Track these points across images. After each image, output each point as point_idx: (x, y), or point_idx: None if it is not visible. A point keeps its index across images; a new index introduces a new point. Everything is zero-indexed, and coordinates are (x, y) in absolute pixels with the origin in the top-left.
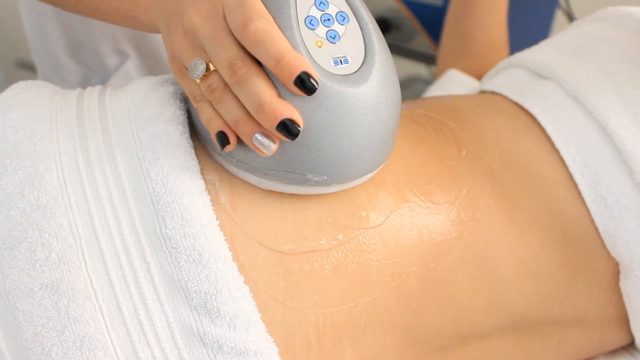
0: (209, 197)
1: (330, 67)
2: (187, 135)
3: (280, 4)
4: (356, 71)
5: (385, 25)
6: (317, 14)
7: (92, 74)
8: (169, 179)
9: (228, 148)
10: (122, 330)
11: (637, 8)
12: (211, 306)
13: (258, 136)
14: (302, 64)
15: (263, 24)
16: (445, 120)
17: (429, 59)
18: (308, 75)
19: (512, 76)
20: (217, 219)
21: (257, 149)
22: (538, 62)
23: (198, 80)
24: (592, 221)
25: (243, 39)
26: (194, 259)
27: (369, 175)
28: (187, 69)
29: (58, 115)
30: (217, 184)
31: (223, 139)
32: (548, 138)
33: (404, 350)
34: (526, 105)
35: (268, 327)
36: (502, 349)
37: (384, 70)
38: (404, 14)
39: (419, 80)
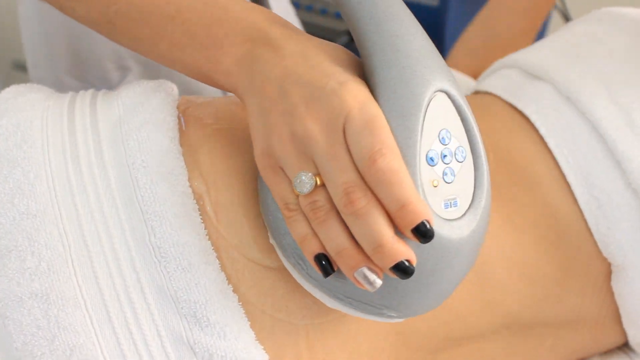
0: (197, 206)
1: (440, 210)
2: (176, 141)
3: (407, 134)
4: (462, 216)
5: None
6: (439, 148)
7: (93, 89)
8: (158, 188)
9: (330, 276)
10: (112, 340)
11: (631, 9)
12: (201, 315)
13: (365, 271)
14: (425, 214)
15: (393, 161)
16: None
17: None
18: (428, 225)
19: (506, 77)
20: (205, 228)
21: (359, 283)
22: (531, 63)
23: (296, 191)
24: (586, 222)
25: (368, 172)
26: (183, 268)
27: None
28: (283, 171)
29: (49, 121)
30: (203, 192)
31: (326, 266)
32: (542, 139)
33: (398, 353)
34: (520, 106)
35: (257, 336)
36: (495, 351)
37: (486, 216)
38: None
39: None
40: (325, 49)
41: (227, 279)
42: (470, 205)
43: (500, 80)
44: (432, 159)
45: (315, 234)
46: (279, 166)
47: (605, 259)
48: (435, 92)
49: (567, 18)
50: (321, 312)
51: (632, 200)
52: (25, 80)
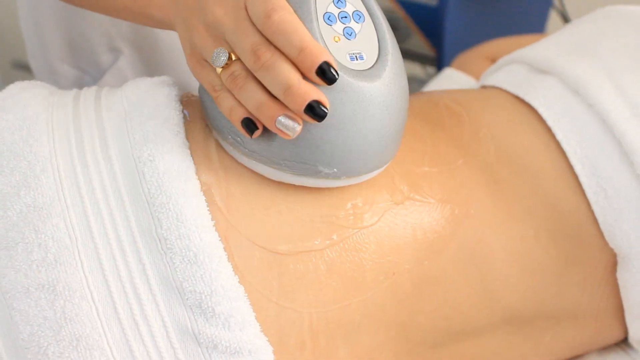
0: (204, 198)
1: (346, 62)
2: (182, 135)
3: None
4: (370, 67)
5: None
6: (335, 11)
7: (86, 75)
8: (164, 180)
9: (256, 134)
10: (118, 330)
11: (637, 7)
12: (206, 306)
13: (282, 119)
14: (323, 54)
15: (286, 14)
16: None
17: (424, 59)
18: (329, 65)
19: (513, 72)
20: (212, 220)
21: (281, 131)
22: (538, 58)
23: (219, 70)
24: (591, 212)
25: (265, 28)
26: (189, 260)
27: (377, 172)
28: (206, 61)
29: (54, 116)
30: (212, 184)
31: (250, 125)
32: (548, 130)
33: (399, 347)
34: (527, 98)
35: (262, 326)
36: (496, 346)
37: (396, 69)
38: (399, 14)
39: (414, 81)
40: None
41: (233, 270)
42: (377, 59)
43: (507, 74)
44: (329, 19)
45: (240, 104)
46: (203, 59)
47: (607, 251)
48: None
49: (565, 18)
50: (327, 299)
51: (639, 191)
52: (24, 79)
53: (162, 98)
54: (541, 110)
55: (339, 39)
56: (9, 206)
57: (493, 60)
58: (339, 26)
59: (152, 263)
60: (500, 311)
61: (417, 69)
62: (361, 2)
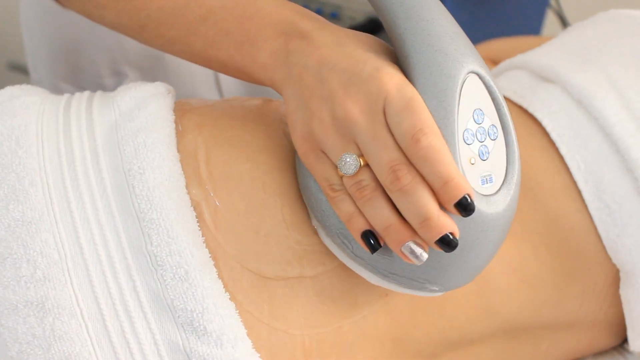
0: (194, 214)
1: (478, 186)
2: (173, 148)
3: (445, 114)
4: (497, 192)
5: (376, 25)
6: (474, 127)
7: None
8: (154, 195)
9: (376, 253)
10: (109, 349)
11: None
12: (197, 324)
13: (412, 245)
14: (467, 188)
15: (435, 140)
16: None
17: None
18: (469, 200)
19: (515, 79)
20: (202, 236)
21: (406, 257)
22: (542, 65)
23: (341, 173)
24: (594, 228)
25: (411, 151)
26: (179, 277)
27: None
28: (325, 154)
29: (44, 126)
30: (201, 200)
31: (373, 242)
32: (551, 143)
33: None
34: (530, 110)
35: (254, 344)
36: (491, 355)
37: (518, 191)
38: None
39: None
40: (358, 37)
41: (224, 288)
42: (504, 181)
43: (510, 81)
44: (468, 138)
45: (361, 213)
46: (320, 149)
47: (608, 265)
48: (467, 73)
49: (562, 18)
50: (319, 322)
51: None
52: (20, 81)
53: (155, 107)
54: (545, 123)
55: (474, 162)
56: None
57: (491, 61)
58: (475, 145)
59: (143, 280)
60: (497, 323)
61: None
62: (497, 115)
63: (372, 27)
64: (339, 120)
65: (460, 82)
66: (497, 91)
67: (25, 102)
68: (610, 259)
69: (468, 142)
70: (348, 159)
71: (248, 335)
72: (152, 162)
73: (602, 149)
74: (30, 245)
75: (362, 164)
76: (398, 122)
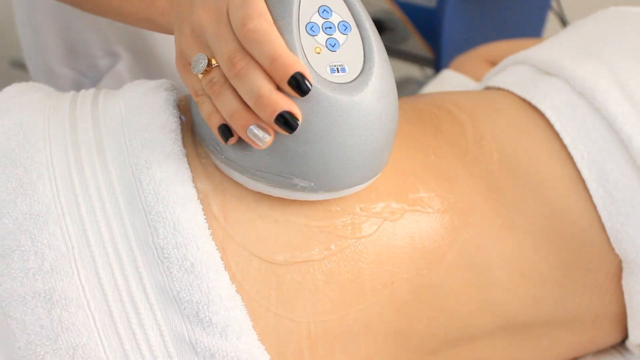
0: (201, 207)
1: (326, 74)
2: (179, 142)
3: (282, 8)
4: (352, 81)
5: (378, 27)
6: (319, 21)
7: (84, 78)
8: (161, 188)
9: (231, 141)
10: (115, 339)
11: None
12: (203, 315)
13: (253, 128)
14: (296, 65)
15: (261, 23)
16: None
17: (422, 61)
18: (302, 76)
19: (518, 73)
20: (208, 229)
21: (252, 141)
22: (544, 59)
23: (200, 75)
24: (597, 218)
25: (241, 36)
26: (185, 269)
27: (359, 187)
28: (190, 65)
29: (51, 121)
30: (209, 192)
31: (225, 132)
32: (554, 135)
33: (397, 354)
34: (534, 102)
35: (260, 336)
36: (493, 350)
37: (380, 83)
38: (397, 15)
39: (412, 82)
40: None
41: (231, 279)
42: (360, 73)
43: (512, 76)
44: (312, 29)
45: (217, 110)
46: (188, 63)
47: (610, 258)
48: None
49: (563, 20)
50: (325, 309)
51: None
52: (22, 78)
53: (160, 103)
54: (548, 114)
55: (320, 50)
56: (5, 213)
57: (491, 63)
58: (321, 37)
59: (149, 272)
60: (498, 318)
61: (415, 71)
62: (349, 13)
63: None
64: (195, 29)
65: None
66: None
67: (32, 98)
68: (612, 252)
69: (312, 33)
70: (197, 58)
71: (254, 326)
72: (158, 157)
73: (605, 139)
74: (38, 238)
75: (213, 64)
76: (233, 15)
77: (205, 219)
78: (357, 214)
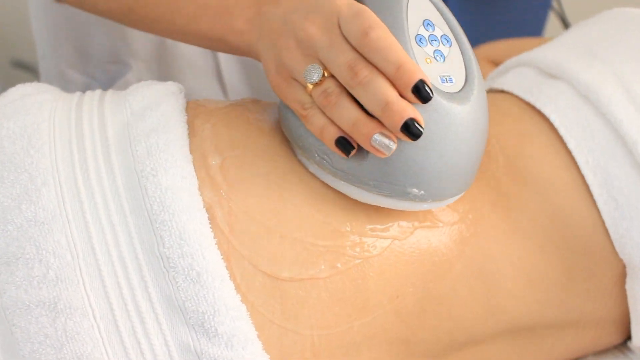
0: (207, 216)
1: (438, 83)
2: (186, 148)
3: (393, 19)
4: (459, 90)
5: None
6: (425, 33)
7: (94, 82)
8: (167, 196)
9: (352, 153)
10: (120, 349)
11: None
12: (209, 325)
13: (378, 137)
14: (419, 72)
15: (383, 32)
16: None
17: None
18: (424, 84)
19: (522, 75)
20: (214, 238)
21: (376, 150)
22: (548, 61)
23: (310, 88)
24: (601, 223)
25: (363, 45)
26: (191, 279)
27: (458, 197)
28: (294, 79)
29: (56, 124)
30: (214, 202)
31: (345, 145)
32: (559, 139)
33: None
34: (538, 105)
35: (264, 346)
36: (497, 352)
37: (482, 94)
38: None
39: None
40: None
41: (235, 289)
42: (465, 83)
43: (516, 78)
44: (421, 40)
45: (332, 122)
46: (292, 77)
47: (615, 262)
48: None
49: (564, 20)
50: (329, 323)
51: None
52: (23, 78)
53: (167, 108)
54: (553, 118)
55: (430, 61)
56: (10, 220)
57: (492, 62)
58: (429, 48)
59: (155, 281)
60: (503, 323)
61: None
62: (448, 27)
63: None
64: (302, 41)
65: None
66: (443, 6)
67: (37, 100)
68: (616, 255)
69: (421, 44)
70: (311, 68)
71: (259, 336)
72: (164, 164)
73: (610, 144)
74: (43, 246)
75: (326, 75)
76: (349, 27)
77: (211, 228)
78: (366, 234)
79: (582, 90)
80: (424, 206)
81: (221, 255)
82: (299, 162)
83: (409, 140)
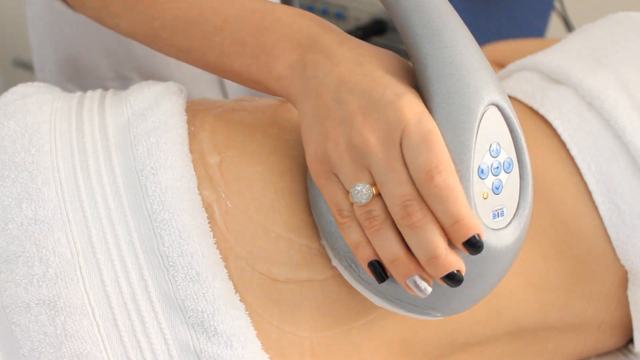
0: (206, 215)
1: (489, 221)
2: (186, 148)
3: (461, 149)
4: (507, 225)
5: (381, 26)
6: (489, 161)
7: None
8: (167, 196)
9: (384, 281)
10: (119, 348)
11: None
12: (208, 325)
13: (417, 280)
14: (477, 228)
15: (449, 178)
16: None
17: None
18: (478, 239)
19: (525, 80)
20: (213, 237)
21: (411, 290)
22: (553, 67)
23: (352, 200)
24: (603, 229)
25: (425, 188)
26: (191, 278)
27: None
28: (337, 177)
29: (57, 124)
30: (213, 200)
31: (379, 271)
32: (562, 145)
33: None
34: (541, 111)
35: (263, 345)
36: (498, 354)
37: (527, 223)
38: None
39: None
40: (378, 55)
41: (234, 289)
42: (515, 214)
43: (520, 83)
44: (482, 172)
45: (369, 242)
46: (333, 172)
47: (616, 267)
48: (487, 105)
49: (566, 21)
50: (327, 325)
51: None
52: (25, 78)
53: (167, 107)
54: (556, 124)
55: (487, 196)
56: (10, 218)
57: (495, 63)
58: (489, 180)
59: (154, 280)
60: (505, 325)
61: None
62: (513, 148)
63: (377, 28)
64: (355, 147)
65: (479, 115)
66: (516, 123)
67: (38, 100)
68: (618, 261)
69: (482, 176)
70: (361, 188)
71: (258, 336)
72: (164, 163)
73: (613, 151)
74: (43, 244)
75: (374, 193)
76: (414, 156)
77: (210, 227)
78: None
79: (587, 96)
80: (435, 318)
81: (220, 254)
82: (295, 161)
83: (451, 286)
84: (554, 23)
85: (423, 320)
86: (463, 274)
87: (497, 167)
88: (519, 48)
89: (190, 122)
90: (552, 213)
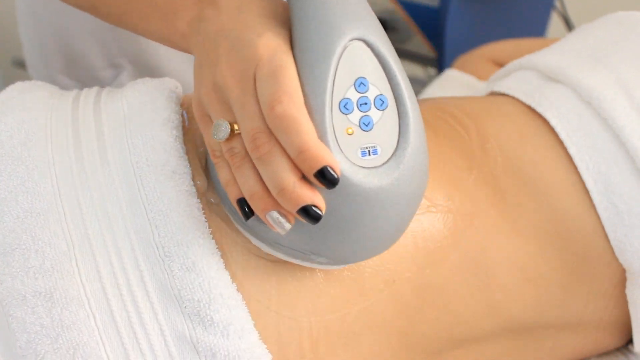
0: (201, 205)
1: (356, 158)
2: (180, 140)
3: (316, 83)
4: (384, 164)
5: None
6: (355, 96)
7: (86, 88)
8: (162, 186)
9: (249, 217)
10: (116, 339)
11: None
12: (204, 314)
13: (274, 214)
14: (325, 159)
15: (290, 108)
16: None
17: (425, 60)
18: (330, 170)
19: (524, 79)
20: (209, 227)
21: (271, 225)
22: (551, 66)
23: (214, 138)
24: (601, 228)
25: (269, 119)
26: (187, 267)
27: (375, 255)
28: (211, 119)
29: (53, 120)
30: (207, 189)
31: (244, 209)
32: (560, 143)
33: (399, 355)
34: (540, 110)
35: (261, 335)
36: (497, 352)
37: (412, 164)
38: (400, 15)
39: (415, 82)
40: (262, 3)
41: (231, 278)
42: (393, 154)
43: (518, 82)
44: (346, 107)
45: (236, 181)
46: (208, 115)
47: (615, 266)
48: (350, 40)
49: (566, 20)
50: (326, 308)
51: None
52: (24, 77)
53: (162, 100)
54: (554, 123)
55: (353, 132)
56: (7, 211)
57: (495, 62)
58: (355, 115)
59: (150, 270)
60: (502, 321)
61: (418, 70)
62: (388, 85)
63: None
64: (218, 86)
65: (337, 49)
66: (389, 59)
67: (35, 96)
68: (616, 260)
69: (345, 111)
70: (220, 124)
71: (255, 325)
72: (159, 155)
73: (612, 150)
74: (39, 236)
75: (236, 131)
76: (261, 90)
77: (205, 217)
78: None
79: (585, 95)
80: (324, 267)
81: (216, 243)
82: None
83: (309, 222)
84: (554, 23)
85: (421, 312)
86: (322, 210)
87: (366, 104)
88: (519, 47)
89: (184, 115)
90: (550, 210)
